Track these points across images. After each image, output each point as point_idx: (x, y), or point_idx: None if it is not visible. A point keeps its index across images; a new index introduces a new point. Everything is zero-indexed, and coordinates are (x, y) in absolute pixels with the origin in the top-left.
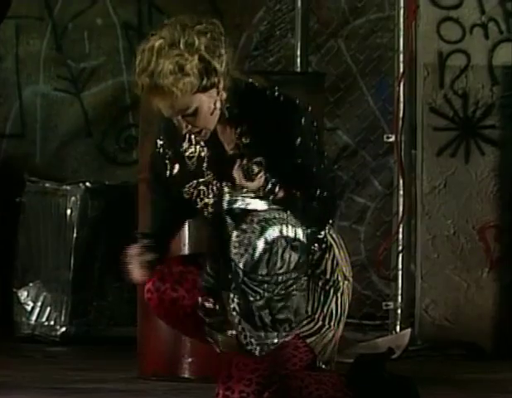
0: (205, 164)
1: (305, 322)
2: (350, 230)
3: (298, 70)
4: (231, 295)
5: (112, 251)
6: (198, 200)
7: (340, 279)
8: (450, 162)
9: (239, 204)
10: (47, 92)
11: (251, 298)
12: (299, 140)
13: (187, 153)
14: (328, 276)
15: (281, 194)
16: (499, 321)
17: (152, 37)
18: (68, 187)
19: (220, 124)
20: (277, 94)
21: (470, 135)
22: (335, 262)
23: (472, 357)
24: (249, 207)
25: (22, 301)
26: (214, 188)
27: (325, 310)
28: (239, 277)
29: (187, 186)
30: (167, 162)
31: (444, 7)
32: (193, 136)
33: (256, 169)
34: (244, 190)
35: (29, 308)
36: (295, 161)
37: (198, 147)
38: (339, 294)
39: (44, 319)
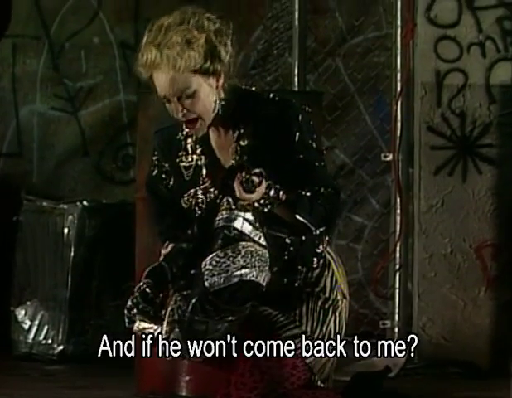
0: (203, 171)
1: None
2: (347, 249)
3: (296, 88)
4: (178, 296)
5: (109, 270)
6: (197, 208)
7: (339, 297)
8: (447, 180)
9: (237, 225)
10: (44, 111)
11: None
12: (298, 136)
13: (184, 163)
14: (327, 294)
15: (284, 197)
16: (496, 339)
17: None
18: (65, 206)
19: (217, 129)
20: (272, 95)
21: (468, 154)
22: (333, 279)
23: (469, 376)
24: (245, 227)
25: (20, 319)
26: (212, 196)
27: (324, 329)
28: (201, 287)
29: (185, 195)
30: (164, 176)
31: (441, 25)
32: (189, 145)
33: (256, 180)
34: (246, 203)
35: (26, 327)
36: (296, 156)
37: (195, 156)
38: (337, 314)
39: (41, 338)
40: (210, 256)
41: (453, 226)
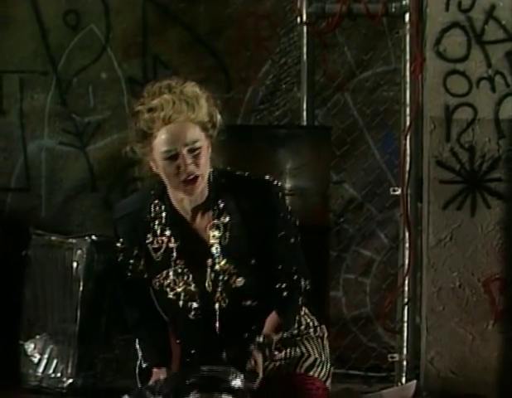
0: (174, 254)
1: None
2: (355, 283)
3: (304, 123)
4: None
5: (118, 304)
6: (168, 289)
7: (316, 323)
8: (456, 215)
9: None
10: (52, 146)
11: None
12: (280, 213)
13: (153, 245)
14: (314, 324)
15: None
16: (504, 373)
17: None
18: (74, 241)
19: (196, 210)
20: (247, 174)
21: (477, 188)
22: (306, 315)
23: None
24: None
25: (29, 353)
26: (185, 277)
27: (324, 354)
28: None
29: (157, 276)
30: (133, 261)
31: (450, 59)
32: (157, 227)
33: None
34: None
35: (36, 360)
36: (278, 233)
37: (164, 238)
38: (325, 342)
39: (51, 371)
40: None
41: (462, 260)
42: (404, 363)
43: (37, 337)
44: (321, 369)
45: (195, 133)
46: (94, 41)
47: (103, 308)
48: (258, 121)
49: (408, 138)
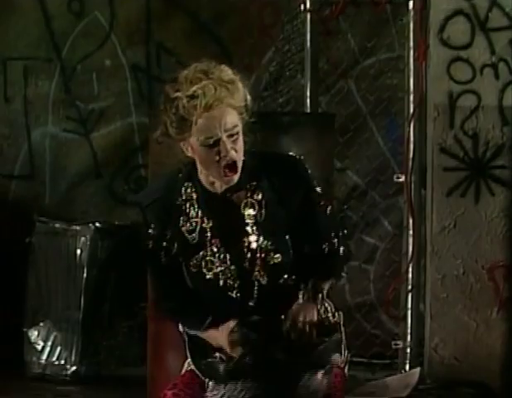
0: (208, 234)
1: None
2: (359, 270)
3: (308, 110)
4: None
5: (122, 291)
6: (205, 270)
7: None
8: (460, 202)
9: None
10: (56, 133)
11: None
12: (312, 189)
13: (187, 228)
14: (331, 309)
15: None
16: (508, 360)
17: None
18: (78, 228)
19: (229, 191)
20: (273, 151)
21: (480, 175)
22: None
23: (481, 396)
24: None
25: (33, 341)
26: (222, 256)
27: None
28: None
29: (193, 258)
30: (166, 244)
31: (454, 47)
32: (190, 209)
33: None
34: None
35: (39, 348)
36: (314, 203)
37: (198, 219)
38: (342, 328)
39: (54, 359)
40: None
41: (465, 247)
42: (408, 350)
43: (41, 324)
44: (342, 353)
45: (235, 119)
46: (98, 28)
47: (107, 296)
48: (262, 108)
49: (411, 125)
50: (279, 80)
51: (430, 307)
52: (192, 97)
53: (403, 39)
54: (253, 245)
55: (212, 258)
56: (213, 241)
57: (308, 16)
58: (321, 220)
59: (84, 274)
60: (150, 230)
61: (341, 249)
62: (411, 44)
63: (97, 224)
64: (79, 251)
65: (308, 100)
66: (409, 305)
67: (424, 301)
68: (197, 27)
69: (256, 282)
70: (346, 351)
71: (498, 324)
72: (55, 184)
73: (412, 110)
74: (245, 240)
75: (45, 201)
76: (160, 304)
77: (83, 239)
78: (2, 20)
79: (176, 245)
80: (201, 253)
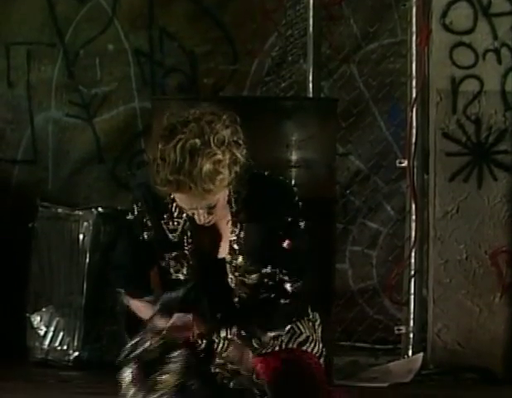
0: (186, 238)
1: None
2: (362, 255)
3: (310, 95)
4: None
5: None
6: (172, 270)
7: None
8: (462, 187)
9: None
10: (59, 118)
11: None
12: (291, 219)
13: (168, 226)
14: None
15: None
16: (511, 345)
17: (179, 133)
18: (80, 213)
19: None
20: (266, 173)
21: (483, 160)
22: None
23: (484, 382)
24: None
25: (35, 326)
26: (191, 262)
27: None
28: None
29: (166, 254)
30: (145, 221)
31: (457, 32)
32: (175, 209)
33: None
34: None
35: (42, 333)
36: (283, 238)
37: (181, 220)
38: (317, 327)
39: (57, 344)
40: None
41: (468, 233)
42: (411, 335)
43: (43, 309)
44: (314, 346)
45: (215, 197)
46: (101, 12)
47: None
48: (264, 93)
49: (414, 110)
50: (282, 65)
51: (433, 292)
52: (168, 182)
53: (406, 24)
54: (228, 260)
55: (183, 260)
56: (189, 246)
57: (311, 0)
58: (287, 261)
59: (87, 259)
60: (134, 206)
61: (288, 288)
62: (413, 29)
63: (100, 209)
64: (81, 236)
65: (311, 85)
66: (412, 290)
67: (427, 286)
68: (200, 12)
69: (220, 295)
70: (321, 345)
71: (501, 309)
72: (58, 169)
73: (414, 95)
74: (221, 255)
75: (48, 186)
76: (110, 273)
77: (85, 224)
78: (6, 5)
79: (153, 232)
80: (174, 253)
